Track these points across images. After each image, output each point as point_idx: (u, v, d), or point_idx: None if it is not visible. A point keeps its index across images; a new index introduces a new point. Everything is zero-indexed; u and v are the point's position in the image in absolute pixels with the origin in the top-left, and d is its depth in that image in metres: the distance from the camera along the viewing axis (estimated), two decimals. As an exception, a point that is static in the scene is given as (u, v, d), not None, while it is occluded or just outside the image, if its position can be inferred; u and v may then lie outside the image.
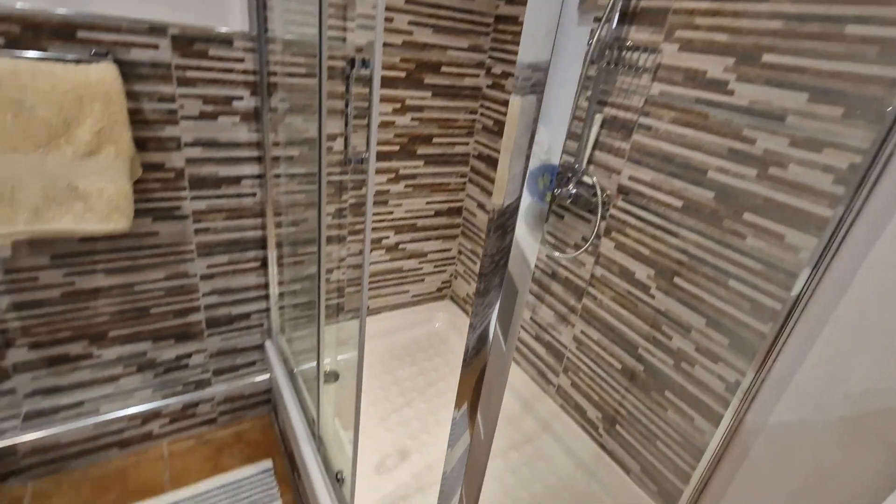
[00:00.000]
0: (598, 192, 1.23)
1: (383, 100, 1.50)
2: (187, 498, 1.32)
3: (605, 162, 1.23)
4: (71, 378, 1.34)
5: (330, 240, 1.52)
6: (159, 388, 1.48)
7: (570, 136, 1.29)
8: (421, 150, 1.64)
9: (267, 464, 1.45)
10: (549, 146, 0.40)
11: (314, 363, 1.27)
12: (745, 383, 0.73)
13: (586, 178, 1.26)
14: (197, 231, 1.34)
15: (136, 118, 1.14)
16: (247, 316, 1.54)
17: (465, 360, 0.52)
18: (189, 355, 1.49)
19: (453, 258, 1.94)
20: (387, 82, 1.48)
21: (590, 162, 1.26)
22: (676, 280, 1.08)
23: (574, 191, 1.28)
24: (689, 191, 1.03)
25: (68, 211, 1.00)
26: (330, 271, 1.53)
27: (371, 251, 1.73)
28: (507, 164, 0.42)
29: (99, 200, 1.01)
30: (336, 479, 1.13)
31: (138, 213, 1.24)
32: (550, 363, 1.50)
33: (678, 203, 1.06)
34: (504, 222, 0.43)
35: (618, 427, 1.29)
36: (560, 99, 0.39)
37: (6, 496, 1.29)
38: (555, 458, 1.38)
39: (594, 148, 1.25)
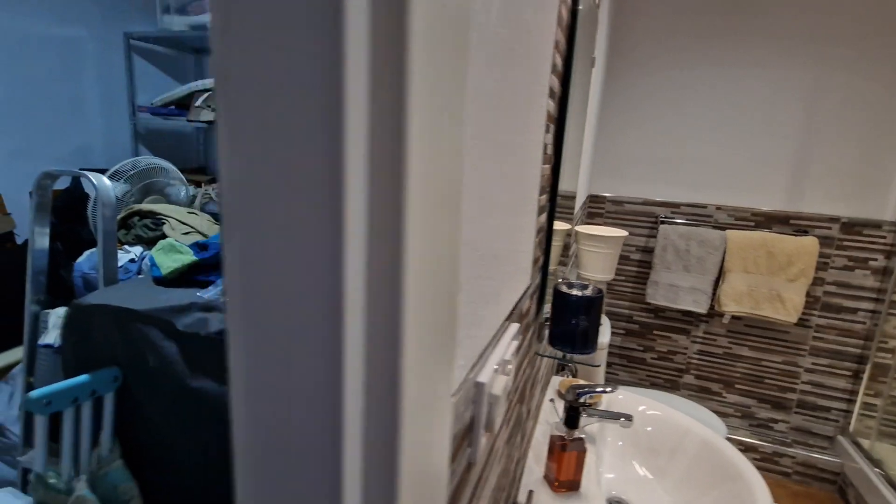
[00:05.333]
0: None
1: None
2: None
3: None
4: (706, 403, 2.28)
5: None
6: (753, 432, 2.22)
7: None
8: None
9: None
10: None
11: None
12: None
13: None
14: (814, 337, 2.06)
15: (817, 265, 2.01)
16: (827, 409, 2.09)
17: None
18: (776, 421, 2.17)
19: None
20: None
21: None
22: None
23: None
24: None
25: (770, 306, 1.93)
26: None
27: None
28: None
29: (788, 304, 1.90)
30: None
31: (783, 318, 2.08)
32: None
33: None
34: None
35: None
36: None
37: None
38: None
39: None
